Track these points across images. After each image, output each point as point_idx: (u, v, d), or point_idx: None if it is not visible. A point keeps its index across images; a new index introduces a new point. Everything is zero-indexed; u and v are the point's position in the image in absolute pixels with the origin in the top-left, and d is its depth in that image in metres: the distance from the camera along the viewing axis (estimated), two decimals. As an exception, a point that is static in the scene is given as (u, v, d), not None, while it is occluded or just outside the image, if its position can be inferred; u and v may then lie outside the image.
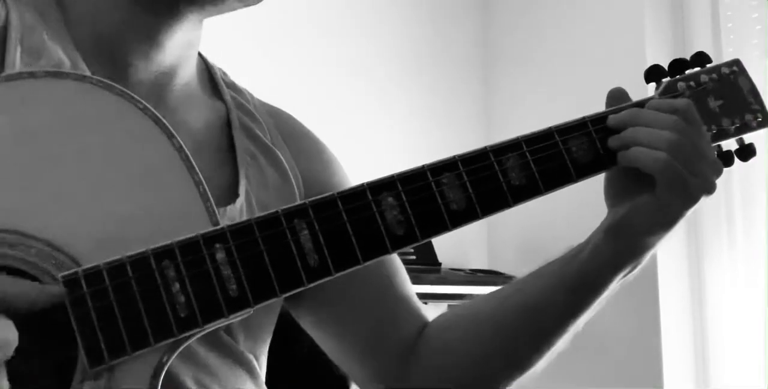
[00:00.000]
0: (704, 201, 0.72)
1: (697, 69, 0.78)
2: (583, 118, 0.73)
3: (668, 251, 2.30)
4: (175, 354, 0.60)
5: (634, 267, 0.77)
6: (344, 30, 2.71)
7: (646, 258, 0.76)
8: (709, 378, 2.27)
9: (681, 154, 0.70)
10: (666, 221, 0.73)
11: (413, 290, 0.91)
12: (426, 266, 2.35)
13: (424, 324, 0.89)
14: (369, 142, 2.65)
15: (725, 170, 0.75)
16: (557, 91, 2.68)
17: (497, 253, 2.80)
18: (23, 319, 0.54)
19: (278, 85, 2.18)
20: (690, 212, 0.73)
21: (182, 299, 0.58)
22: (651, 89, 0.77)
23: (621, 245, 0.74)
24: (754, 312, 2.17)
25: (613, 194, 0.76)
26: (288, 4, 0.66)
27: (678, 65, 0.78)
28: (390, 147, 2.67)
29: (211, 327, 0.60)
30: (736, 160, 0.78)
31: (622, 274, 0.76)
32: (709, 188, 0.71)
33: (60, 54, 0.74)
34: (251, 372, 0.80)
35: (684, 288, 2.32)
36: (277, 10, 0.78)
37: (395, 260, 0.90)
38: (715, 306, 2.28)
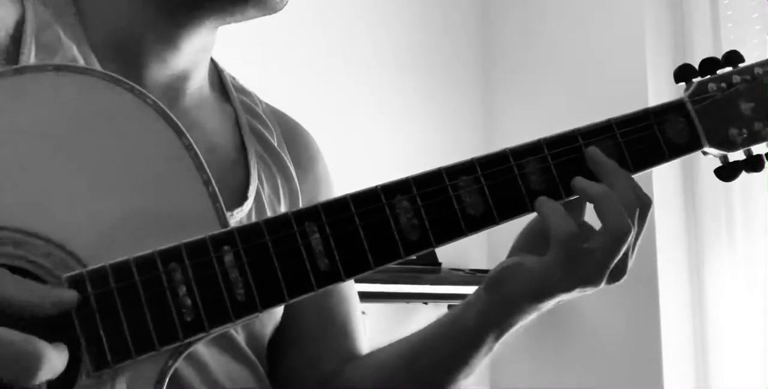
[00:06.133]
0: (580, 292, 0.66)
1: (728, 69, 0.74)
2: (608, 120, 0.69)
3: (668, 252, 2.30)
4: (181, 358, 0.59)
5: (508, 327, 0.71)
6: (344, 31, 2.70)
7: (521, 321, 0.70)
8: (709, 378, 2.26)
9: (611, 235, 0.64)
10: (538, 292, 0.66)
11: (356, 315, 0.88)
12: (426, 266, 2.35)
13: (350, 358, 0.86)
14: (369, 142, 2.64)
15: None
16: (557, 91, 2.67)
17: (497, 253, 2.78)
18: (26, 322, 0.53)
19: (278, 85, 2.17)
20: (562, 299, 0.67)
21: (188, 302, 0.57)
22: (680, 89, 0.74)
23: (495, 297, 0.69)
24: (754, 312, 2.17)
25: (522, 242, 0.72)
26: (290, 5, 0.65)
27: (709, 64, 0.74)
28: (390, 147, 2.66)
29: (217, 332, 0.59)
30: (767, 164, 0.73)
31: (494, 332, 0.71)
32: (594, 281, 0.65)
33: (75, 52, 0.73)
34: (255, 370, 0.79)
35: (684, 289, 2.32)
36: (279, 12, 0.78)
37: (347, 285, 0.88)
38: (715, 306, 2.27)
